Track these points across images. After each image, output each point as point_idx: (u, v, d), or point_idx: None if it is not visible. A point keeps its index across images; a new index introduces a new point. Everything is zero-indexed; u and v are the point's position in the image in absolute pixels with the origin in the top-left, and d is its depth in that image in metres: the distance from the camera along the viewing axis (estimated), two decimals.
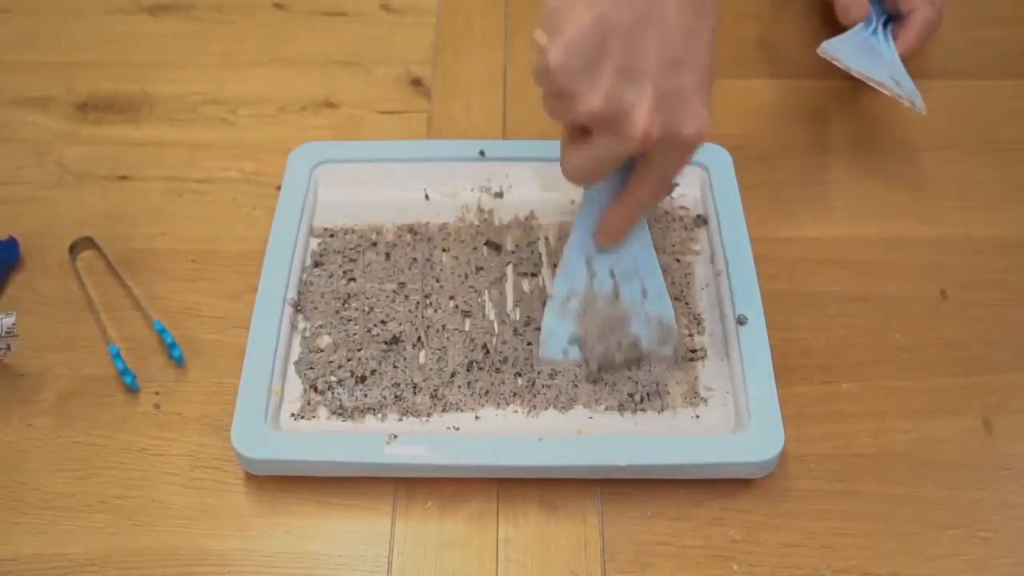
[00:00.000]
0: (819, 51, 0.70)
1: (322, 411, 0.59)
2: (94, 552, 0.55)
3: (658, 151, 0.52)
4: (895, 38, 0.76)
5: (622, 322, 0.59)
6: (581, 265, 0.59)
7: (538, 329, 0.62)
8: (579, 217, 0.58)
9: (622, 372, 0.60)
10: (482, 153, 0.70)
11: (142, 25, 0.85)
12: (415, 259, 0.66)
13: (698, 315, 0.63)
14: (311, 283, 0.65)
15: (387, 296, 0.64)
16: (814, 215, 0.70)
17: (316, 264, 0.66)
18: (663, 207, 0.69)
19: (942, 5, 0.76)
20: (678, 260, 0.66)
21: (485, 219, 0.68)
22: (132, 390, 0.61)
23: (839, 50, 0.71)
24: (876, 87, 0.70)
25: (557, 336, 0.60)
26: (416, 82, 0.80)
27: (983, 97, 0.78)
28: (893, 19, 0.77)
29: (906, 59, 0.74)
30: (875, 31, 0.76)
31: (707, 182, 0.69)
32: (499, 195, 0.70)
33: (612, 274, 0.59)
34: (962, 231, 0.69)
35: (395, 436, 0.56)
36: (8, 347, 0.60)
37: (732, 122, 0.76)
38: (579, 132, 0.53)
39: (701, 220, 0.68)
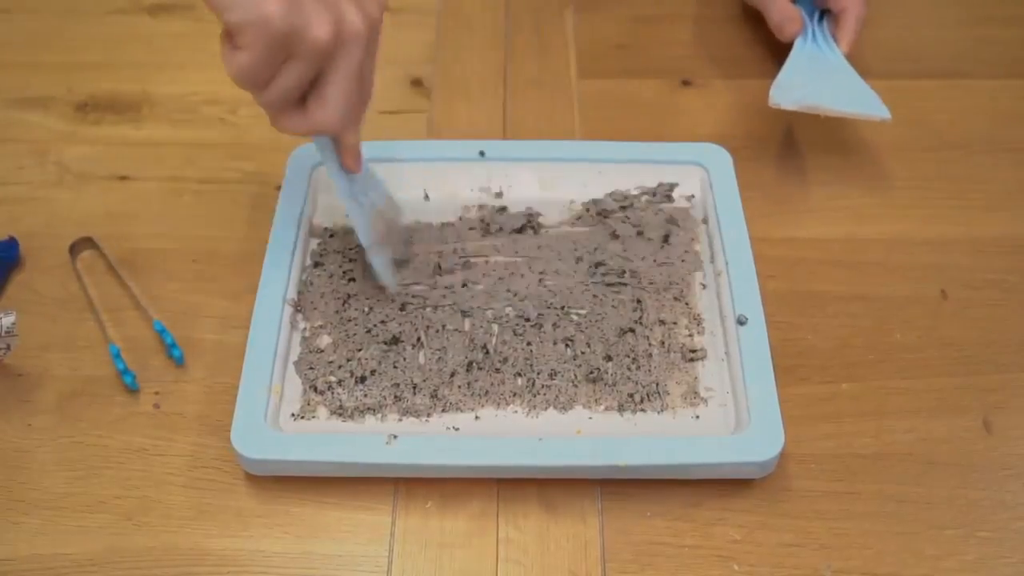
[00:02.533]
0: (769, 102, 0.70)
1: (322, 411, 0.59)
2: (94, 552, 0.55)
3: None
4: (832, 35, 0.76)
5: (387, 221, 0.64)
6: (357, 209, 0.62)
7: (537, 327, 0.62)
8: (330, 168, 0.60)
9: (622, 371, 0.60)
10: (482, 153, 0.70)
11: (142, 25, 0.85)
12: (415, 258, 0.66)
13: (698, 315, 0.63)
14: (311, 283, 0.65)
15: (388, 296, 0.64)
16: (814, 215, 0.70)
17: (316, 264, 0.66)
18: (666, 206, 0.69)
19: None
20: (682, 260, 0.66)
21: (484, 219, 0.68)
22: (132, 390, 0.61)
23: (786, 93, 0.71)
24: (833, 115, 0.70)
25: (388, 266, 0.63)
26: (416, 82, 0.80)
27: (983, 97, 0.78)
28: (825, 13, 0.77)
29: (847, 57, 0.74)
30: (813, 36, 0.76)
31: (707, 182, 0.69)
32: (499, 195, 0.70)
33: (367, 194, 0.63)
34: (962, 231, 0.69)
35: (395, 436, 0.56)
36: (8, 347, 0.60)
37: (732, 122, 0.76)
38: (300, 102, 0.55)
39: (702, 220, 0.68)
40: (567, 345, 0.62)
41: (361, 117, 0.58)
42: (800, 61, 0.74)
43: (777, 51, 0.78)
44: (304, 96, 0.55)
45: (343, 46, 0.53)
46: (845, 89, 0.72)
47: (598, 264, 0.66)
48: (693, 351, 0.61)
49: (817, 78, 0.73)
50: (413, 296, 0.64)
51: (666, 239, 0.67)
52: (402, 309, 0.63)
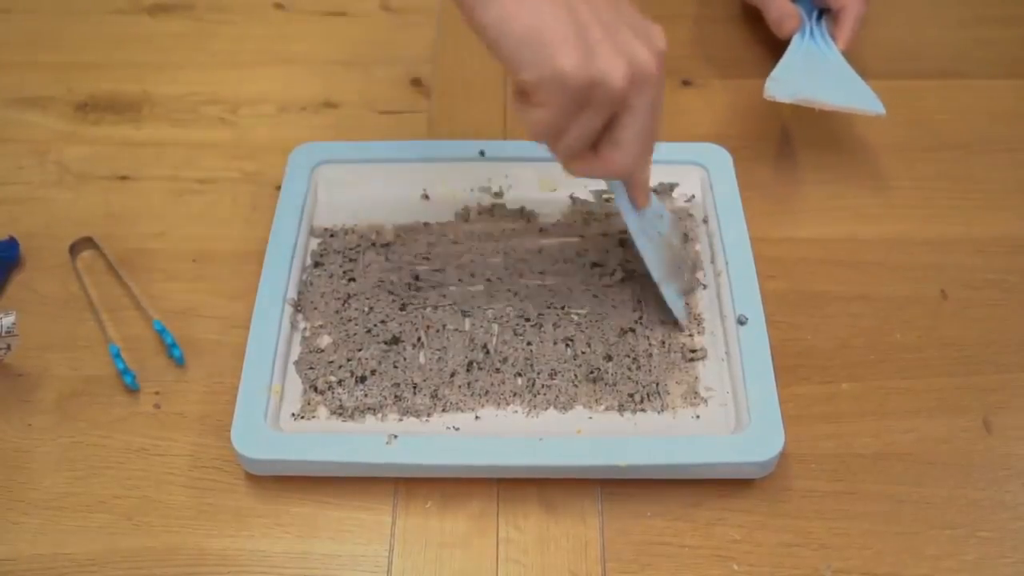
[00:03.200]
0: (764, 95, 0.70)
1: (322, 411, 0.59)
2: (94, 552, 0.55)
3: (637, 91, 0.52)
4: (830, 33, 0.76)
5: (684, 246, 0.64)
6: (647, 244, 0.61)
7: (537, 327, 0.62)
8: (619, 201, 0.59)
9: (622, 371, 0.60)
10: (482, 153, 0.70)
11: (142, 25, 0.85)
12: (415, 259, 0.66)
13: (698, 315, 0.63)
14: (311, 283, 0.65)
15: (387, 296, 0.64)
16: (814, 215, 0.70)
17: (316, 264, 0.66)
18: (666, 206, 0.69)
19: None
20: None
21: (486, 218, 0.68)
22: (132, 390, 0.61)
23: (782, 86, 0.71)
24: (828, 109, 0.70)
25: (679, 301, 0.63)
26: (416, 82, 0.80)
27: (983, 97, 0.78)
28: (824, 12, 0.77)
29: (845, 55, 0.74)
30: (811, 33, 0.76)
31: (707, 182, 0.69)
32: (499, 195, 0.70)
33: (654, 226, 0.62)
34: (962, 231, 0.69)
35: (395, 436, 0.56)
36: (8, 347, 0.60)
37: (732, 122, 0.76)
38: (592, 148, 0.53)
39: (702, 220, 0.68)
40: (567, 345, 0.62)
41: (651, 154, 0.56)
42: (797, 56, 0.74)
43: (777, 51, 0.78)
44: (598, 139, 0.53)
45: (636, 87, 0.51)
46: (840, 84, 0.72)
47: (598, 264, 0.66)
48: (693, 351, 0.61)
49: (812, 73, 0.73)
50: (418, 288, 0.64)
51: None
52: (402, 309, 0.63)
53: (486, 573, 0.54)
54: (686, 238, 0.66)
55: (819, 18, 0.77)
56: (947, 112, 0.77)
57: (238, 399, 0.57)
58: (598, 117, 0.51)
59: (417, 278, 0.65)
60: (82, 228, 0.69)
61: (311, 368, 0.61)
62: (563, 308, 0.63)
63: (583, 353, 0.61)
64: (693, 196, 0.70)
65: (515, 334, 0.62)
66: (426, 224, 0.68)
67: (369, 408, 0.59)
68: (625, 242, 0.67)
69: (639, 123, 0.52)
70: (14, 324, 0.59)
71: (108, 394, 0.61)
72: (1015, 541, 0.55)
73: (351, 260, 0.66)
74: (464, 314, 0.63)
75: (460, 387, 0.60)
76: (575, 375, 0.60)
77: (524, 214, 0.69)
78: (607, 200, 0.69)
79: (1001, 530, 0.55)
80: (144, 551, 0.55)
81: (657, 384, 0.60)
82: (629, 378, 0.60)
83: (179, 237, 0.69)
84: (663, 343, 0.62)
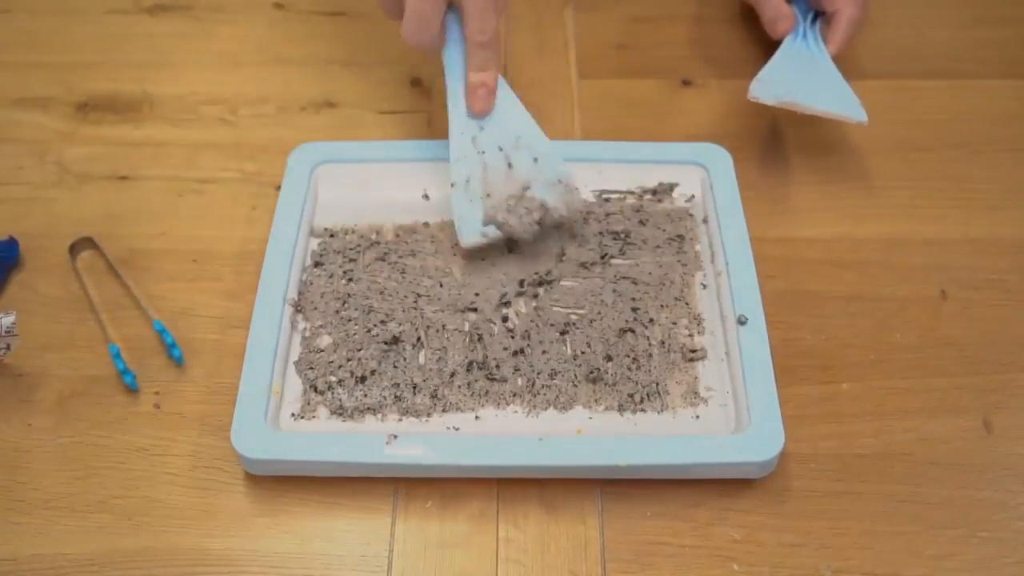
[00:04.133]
0: (748, 95, 0.70)
1: (322, 411, 0.59)
2: (94, 552, 0.55)
3: None
4: (823, 37, 0.76)
5: (523, 190, 0.61)
6: (468, 146, 0.60)
7: (535, 326, 0.62)
8: (449, 100, 0.60)
9: (622, 371, 0.60)
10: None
11: (142, 25, 0.85)
12: (415, 259, 0.66)
13: (698, 315, 0.63)
14: (311, 283, 0.65)
15: (387, 296, 0.64)
16: (814, 215, 0.70)
17: (316, 264, 0.66)
18: (666, 206, 0.69)
19: (865, 1, 0.77)
20: (682, 260, 0.66)
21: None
22: (132, 390, 0.61)
23: (767, 87, 0.71)
24: (810, 113, 0.70)
25: (470, 221, 0.62)
26: (416, 82, 0.80)
27: (983, 97, 0.78)
28: (818, 14, 0.78)
29: (836, 59, 0.74)
30: (804, 35, 0.76)
31: (707, 182, 0.69)
32: None
33: (500, 148, 0.60)
34: (962, 231, 0.69)
35: (395, 436, 0.56)
36: (8, 347, 0.60)
37: (732, 122, 0.76)
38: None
39: (701, 220, 0.68)
40: (567, 345, 0.61)
41: (494, 52, 0.59)
42: (785, 58, 0.74)
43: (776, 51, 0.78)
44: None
45: None
46: (825, 89, 0.72)
47: (598, 264, 0.66)
48: (693, 351, 0.61)
49: (799, 76, 0.73)
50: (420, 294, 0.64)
51: (666, 239, 0.67)
52: (402, 310, 0.63)
53: (486, 573, 0.54)
54: (573, 211, 0.64)
55: (814, 21, 0.77)
56: (947, 112, 0.77)
57: (238, 399, 0.57)
58: None
59: (418, 277, 0.65)
60: (82, 228, 0.69)
61: (311, 368, 0.61)
62: (563, 308, 0.63)
63: (583, 353, 0.61)
64: (693, 196, 0.70)
65: (515, 334, 0.62)
66: (426, 224, 0.68)
67: (369, 408, 0.59)
68: (622, 245, 0.67)
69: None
70: (14, 324, 0.59)
71: (108, 394, 0.61)
72: (1015, 541, 0.55)
73: (351, 260, 0.66)
74: (464, 314, 0.63)
75: (460, 387, 0.60)
76: (575, 375, 0.60)
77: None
78: (606, 200, 0.69)
79: (1001, 530, 0.55)
80: (144, 551, 0.55)
81: (657, 384, 0.60)
82: (629, 378, 0.60)
83: (179, 237, 0.69)
84: (663, 343, 0.62)
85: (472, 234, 0.62)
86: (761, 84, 0.71)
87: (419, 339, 0.62)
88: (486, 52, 0.61)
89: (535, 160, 0.61)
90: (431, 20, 0.60)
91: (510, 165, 0.60)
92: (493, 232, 0.62)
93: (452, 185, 0.60)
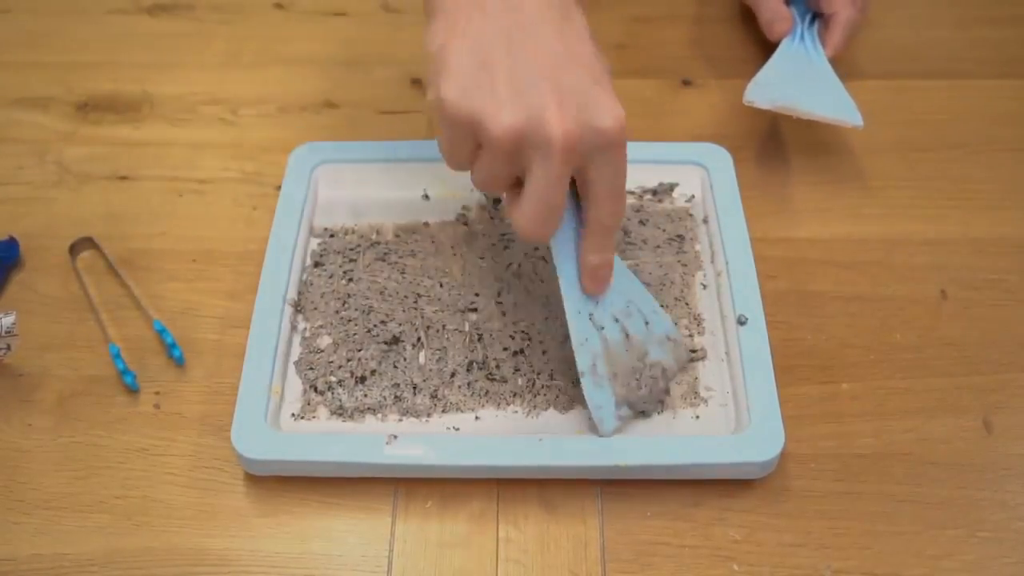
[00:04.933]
0: (744, 99, 0.70)
1: (322, 411, 0.59)
2: (94, 552, 0.55)
3: (591, 163, 0.50)
4: (821, 39, 0.76)
5: (644, 358, 0.58)
6: (588, 327, 0.56)
7: (535, 326, 0.62)
8: (562, 281, 0.56)
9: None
10: (602, 328, 0.69)
11: (142, 25, 0.85)
12: (415, 259, 0.66)
13: (698, 315, 0.63)
14: (311, 283, 0.65)
15: (387, 296, 0.64)
16: (814, 215, 0.70)
17: (316, 264, 0.66)
18: (666, 206, 0.69)
19: (864, 3, 0.77)
20: (682, 260, 0.66)
21: (487, 218, 0.68)
22: (132, 390, 0.61)
23: (763, 91, 0.71)
24: (805, 118, 0.70)
25: (606, 409, 0.56)
26: (416, 82, 0.80)
27: (983, 97, 0.78)
28: (817, 16, 0.77)
29: (833, 61, 0.74)
30: (801, 36, 0.76)
31: (707, 182, 0.69)
32: (498, 196, 0.70)
33: (616, 319, 0.57)
34: (962, 231, 0.69)
35: (395, 436, 0.56)
36: (8, 347, 0.60)
37: (732, 122, 0.76)
38: (513, 191, 0.52)
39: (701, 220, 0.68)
40: (566, 344, 0.61)
41: (616, 231, 0.53)
42: (782, 61, 0.74)
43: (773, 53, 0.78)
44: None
45: (530, 147, 0.48)
46: (821, 93, 0.72)
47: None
48: (693, 351, 0.61)
49: (795, 79, 0.73)
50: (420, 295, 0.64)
51: (666, 239, 0.67)
52: (402, 310, 0.63)
53: (486, 573, 0.54)
54: (682, 364, 0.60)
55: (812, 22, 0.77)
56: (947, 112, 0.77)
57: (238, 399, 0.57)
58: (496, 161, 0.49)
59: (418, 277, 0.65)
60: (82, 228, 0.69)
61: (311, 368, 0.61)
62: (562, 308, 0.63)
63: None
64: (693, 196, 0.70)
65: (515, 334, 0.62)
66: (426, 224, 0.68)
67: (369, 408, 0.59)
68: (622, 245, 0.67)
69: (534, 189, 0.49)
70: (14, 324, 0.59)
71: (108, 394, 0.61)
72: (1015, 541, 0.55)
73: (351, 260, 0.66)
74: (464, 314, 0.63)
75: (460, 387, 0.60)
76: (575, 375, 0.60)
77: None
78: None
79: (1001, 530, 0.55)
80: (144, 551, 0.55)
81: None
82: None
83: (179, 237, 0.69)
84: None
85: (611, 423, 0.57)
86: (757, 88, 0.71)
87: (419, 339, 0.62)
88: (612, 235, 0.54)
89: (647, 323, 0.58)
90: (560, 209, 0.51)
91: (627, 335, 0.57)
92: (626, 412, 0.58)
93: (582, 375, 0.56)
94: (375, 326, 0.63)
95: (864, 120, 0.70)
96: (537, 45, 0.50)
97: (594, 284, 0.55)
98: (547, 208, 0.50)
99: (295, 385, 0.60)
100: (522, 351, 0.61)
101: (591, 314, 0.57)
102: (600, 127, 0.49)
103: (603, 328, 0.57)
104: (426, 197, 0.70)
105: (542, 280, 0.65)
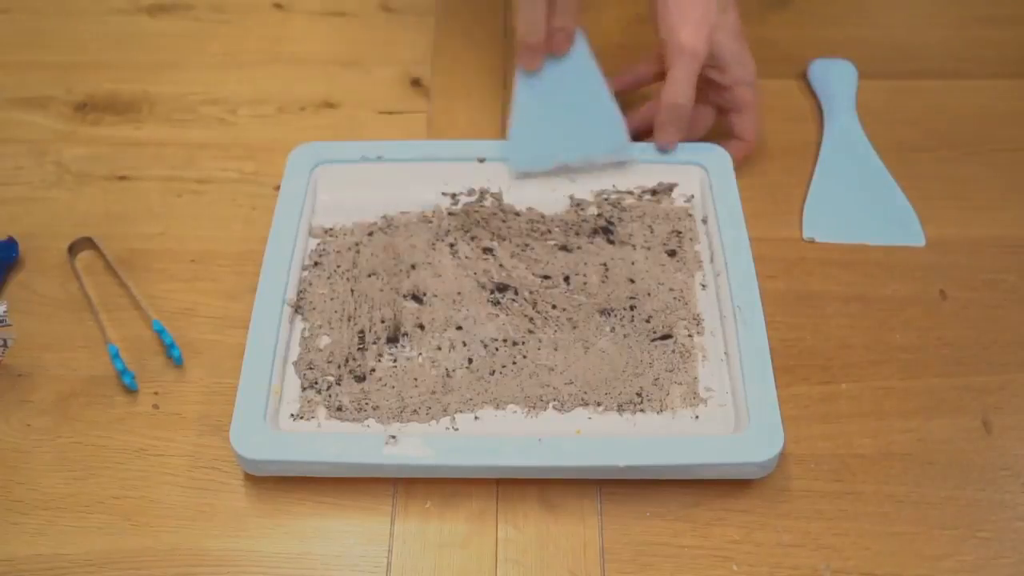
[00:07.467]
0: (804, 237, 0.68)
1: (321, 411, 0.59)
2: (94, 552, 0.55)
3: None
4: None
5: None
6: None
7: (535, 326, 0.62)
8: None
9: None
10: (481, 161, 0.70)
11: (142, 25, 0.85)
12: (415, 259, 0.66)
13: (697, 315, 0.63)
14: (310, 283, 0.65)
15: (386, 296, 0.64)
16: None
17: (316, 264, 0.66)
18: (664, 206, 0.69)
19: (756, 84, 0.70)
20: (682, 260, 0.66)
21: (486, 218, 0.68)
22: (131, 390, 0.61)
23: (821, 225, 0.69)
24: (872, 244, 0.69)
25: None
26: (416, 82, 0.80)
27: (983, 97, 0.78)
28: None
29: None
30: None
31: (707, 182, 0.69)
32: (498, 195, 0.70)
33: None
34: (962, 231, 0.69)
35: (394, 436, 0.56)
36: (4, 343, 0.60)
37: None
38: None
39: (701, 220, 0.68)
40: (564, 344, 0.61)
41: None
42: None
43: (776, 54, 0.78)
44: None
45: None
46: (885, 216, 0.70)
47: (597, 264, 0.66)
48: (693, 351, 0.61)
49: (853, 204, 0.70)
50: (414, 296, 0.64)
51: (666, 240, 0.67)
52: (402, 310, 0.63)
53: (486, 573, 0.54)
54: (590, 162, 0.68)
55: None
56: (947, 112, 0.77)
57: (237, 399, 0.57)
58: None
59: (416, 277, 0.65)
60: (81, 228, 0.69)
61: (310, 368, 0.61)
62: (562, 308, 0.63)
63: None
64: (693, 196, 0.70)
65: (515, 334, 0.62)
66: (427, 221, 0.68)
67: (368, 408, 0.59)
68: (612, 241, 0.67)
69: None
70: (5, 313, 0.59)
71: (107, 394, 0.61)
72: (1015, 541, 0.55)
73: (351, 260, 0.66)
74: (464, 314, 0.63)
75: (460, 387, 0.60)
76: (574, 374, 0.60)
77: (524, 214, 0.69)
78: (606, 199, 0.69)
79: (1001, 530, 0.55)
80: (143, 551, 0.55)
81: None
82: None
83: (179, 237, 0.69)
84: None
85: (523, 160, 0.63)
86: (812, 221, 0.69)
87: (418, 339, 0.62)
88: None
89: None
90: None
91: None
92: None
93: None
94: (374, 326, 0.62)
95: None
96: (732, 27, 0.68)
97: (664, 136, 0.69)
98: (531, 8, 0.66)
99: (294, 385, 0.60)
100: (522, 351, 0.61)
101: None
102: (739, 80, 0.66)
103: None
104: (426, 197, 0.69)
105: (541, 279, 0.65)
